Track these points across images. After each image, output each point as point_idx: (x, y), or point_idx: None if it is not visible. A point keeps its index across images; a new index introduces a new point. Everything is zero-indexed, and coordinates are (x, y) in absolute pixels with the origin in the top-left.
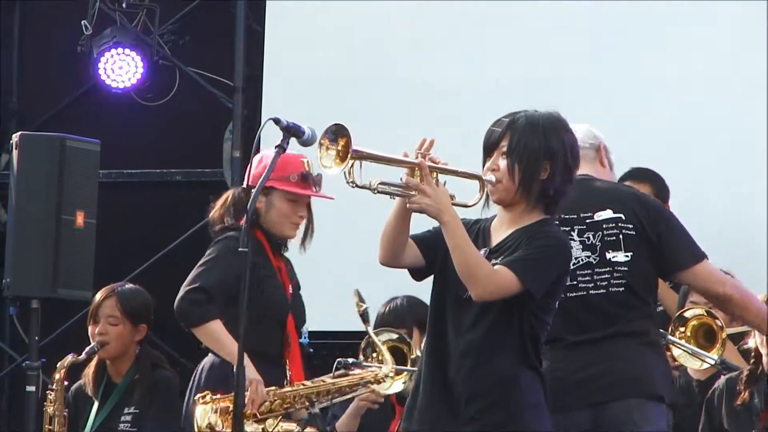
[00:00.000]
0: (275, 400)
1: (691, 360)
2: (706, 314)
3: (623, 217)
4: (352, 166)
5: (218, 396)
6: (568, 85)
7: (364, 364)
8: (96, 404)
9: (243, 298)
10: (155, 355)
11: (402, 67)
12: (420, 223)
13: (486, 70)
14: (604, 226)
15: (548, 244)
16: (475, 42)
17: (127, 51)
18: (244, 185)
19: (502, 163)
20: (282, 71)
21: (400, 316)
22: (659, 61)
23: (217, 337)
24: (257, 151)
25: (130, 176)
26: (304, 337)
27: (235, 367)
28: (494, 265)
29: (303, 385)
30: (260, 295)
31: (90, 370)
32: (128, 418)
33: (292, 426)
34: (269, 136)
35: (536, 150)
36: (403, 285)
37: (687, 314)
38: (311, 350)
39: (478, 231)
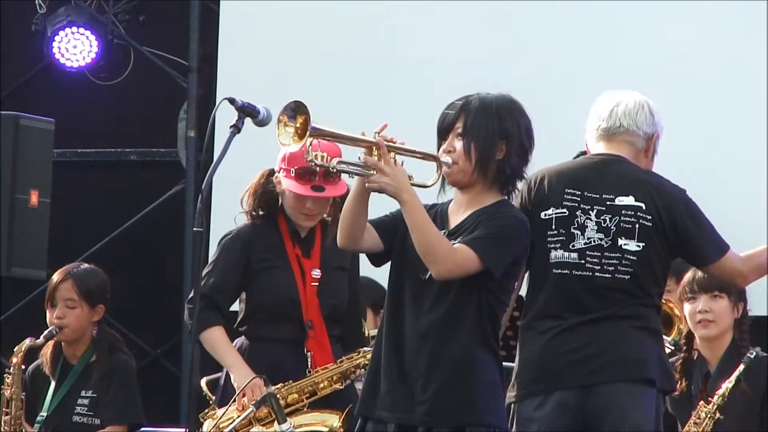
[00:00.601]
0: (291, 394)
1: None
2: (664, 301)
3: (644, 207)
4: (311, 143)
5: (218, 411)
6: (550, 68)
7: None
8: (53, 384)
9: (197, 277)
10: (113, 336)
11: (361, 45)
12: (378, 209)
13: (452, 48)
14: (623, 212)
15: (507, 224)
16: (441, 19)
17: (81, 30)
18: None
19: (458, 144)
20: (237, 51)
21: None
22: (654, 50)
23: (213, 345)
24: (212, 130)
25: (84, 155)
26: None
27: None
28: (455, 244)
29: (325, 368)
30: (260, 284)
31: (48, 350)
32: (85, 401)
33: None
34: (224, 116)
35: (491, 130)
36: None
37: None
38: None
39: (435, 214)
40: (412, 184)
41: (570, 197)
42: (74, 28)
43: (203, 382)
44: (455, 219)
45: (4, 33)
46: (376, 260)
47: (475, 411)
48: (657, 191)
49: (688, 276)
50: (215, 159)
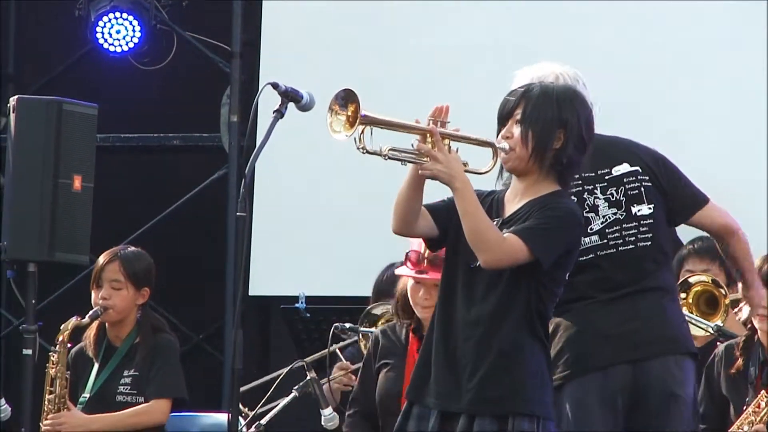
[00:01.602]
0: None
1: (690, 327)
2: (710, 282)
3: (640, 170)
4: (363, 131)
5: None
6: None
7: (360, 329)
8: (96, 366)
9: (240, 262)
10: (157, 318)
11: (405, 31)
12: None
13: (492, 36)
14: (625, 180)
15: (559, 215)
16: (474, 6)
17: (124, 15)
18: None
19: (516, 130)
20: (280, 36)
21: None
22: (661, 42)
23: None
24: (255, 115)
25: (127, 140)
26: (301, 302)
27: None
28: (505, 233)
29: None
30: (378, 384)
31: (91, 332)
32: (128, 380)
33: None
34: (267, 102)
35: (549, 118)
36: (402, 251)
37: (691, 280)
38: (308, 315)
39: (492, 202)
40: (467, 171)
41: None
42: (117, 13)
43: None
44: (510, 207)
45: (47, 18)
46: (432, 245)
47: (520, 400)
48: (639, 151)
49: (757, 263)
50: (258, 144)
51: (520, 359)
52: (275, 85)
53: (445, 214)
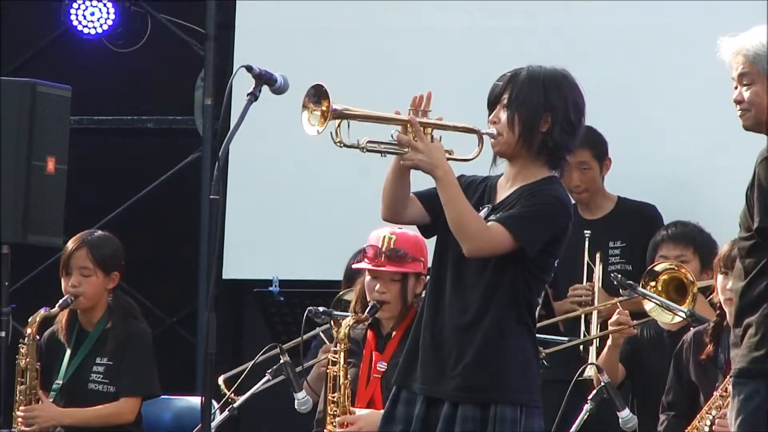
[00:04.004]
0: None
1: (663, 314)
2: (676, 268)
3: None
4: (339, 125)
5: None
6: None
7: (335, 313)
8: (69, 352)
9: (213, 244)
10: (129, 303)
11: (382, 12)
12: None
13: (476, 18)
14: None
15: (545, 202)
16: None
17: None
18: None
19: (503, 115)
20: (255, 18)
21: None
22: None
23: None
24: (229, 98)
25: (101, 123)
26: (275, 286)
27: None
28: (490, 221)
29: None
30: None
31: (63, 317)
32: (101, 369)
33: None
34: (241, 85)
35: (536, 102)
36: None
37: (657, 268)
38: (281, 299)
39: (485, 188)
40: (452, 159)
41: None
42: None
43: (221, 380)
44: (502, 193)
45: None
46: (425, 232)
47: (504, 388)
48: None
49: (725, 249)
50: (232, 127)
51: (506, 347)
52: (249, 68)
53: (436, 201)
